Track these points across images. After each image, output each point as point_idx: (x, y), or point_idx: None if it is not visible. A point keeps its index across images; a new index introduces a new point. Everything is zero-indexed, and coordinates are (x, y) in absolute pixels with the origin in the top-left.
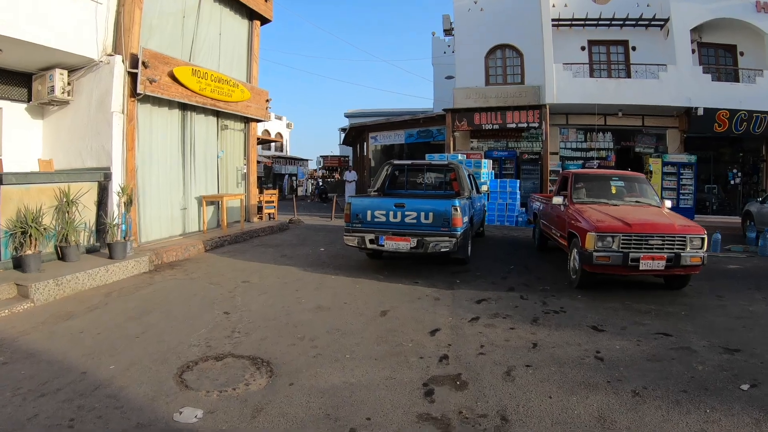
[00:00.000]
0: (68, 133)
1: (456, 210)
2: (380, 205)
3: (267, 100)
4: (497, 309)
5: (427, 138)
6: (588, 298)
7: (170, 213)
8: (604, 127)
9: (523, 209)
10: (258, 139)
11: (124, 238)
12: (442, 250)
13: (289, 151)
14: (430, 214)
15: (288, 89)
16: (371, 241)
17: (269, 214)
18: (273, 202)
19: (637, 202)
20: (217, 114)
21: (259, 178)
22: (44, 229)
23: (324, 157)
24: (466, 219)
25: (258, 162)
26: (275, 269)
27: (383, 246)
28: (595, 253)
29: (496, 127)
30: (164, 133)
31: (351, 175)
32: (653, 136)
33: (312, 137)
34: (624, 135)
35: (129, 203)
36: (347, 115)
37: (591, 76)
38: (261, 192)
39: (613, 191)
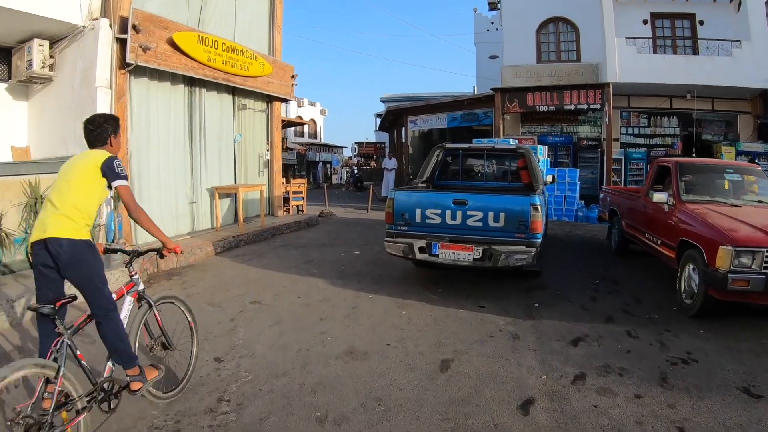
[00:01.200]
0: (52, 115)
1: (536, 209)
2: (434, 201)
3: (292, 76)
4: (604, 356)
5: (472, 122)
6: (713, 334)
7: (175, 208)
8: (670, 110)
9: (582, 202)
10: (284, 121)
11: (112, 240)
12: (517, 263)
13: (323, 138)
14: (502, 215)
15: (322, 74)
16: (421, 250)
17: (297, 206)
18: (301, 192)
19: (759, 202)
20: (233, 91)
21: (291, 165)
22: (5, 234)
23: (359, 144)
24: (545, 221)
25: (291, 149)
26: (296, 282)
27: (437, 256)
28: (730, 275)
29: (552, 108)
30: (167, 112)
31: (391, 163)
32: (722, 122)
33: (347, 123)
34: (690, 120)
35: (117, 198)
36: (383, 100)
37: (654, 52)
38: (288, 181)
39: (726, 187)
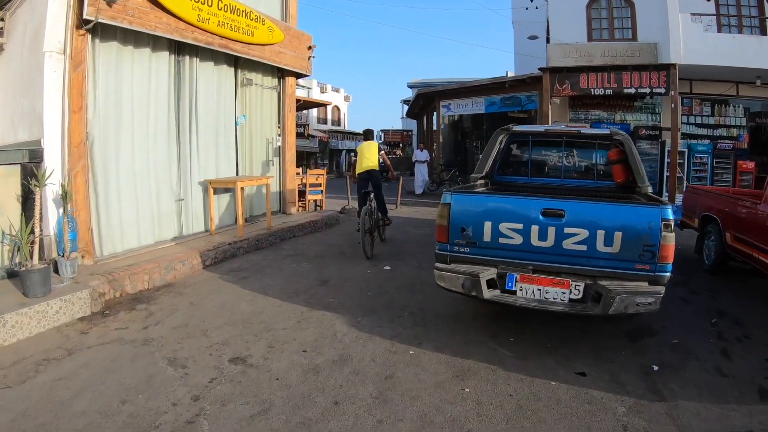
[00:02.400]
0: (3, 91)
1: (669, 228)
2: (512, 210)
3: (309, 47)
4: None
5: (514, 106)
6: None
7: (156, 207)
8: (735, 98)
9: None
10: (300, 101)
11: (62, 254)
12: (637, 309)
13: (347, 125)
14: (617, 235)
15: (346, 61)
16: (491, 284)
17: (314, 201)
18: (320, 185)
19: None
20: (235, 62)
21: (314, 153)
22: None
23: (385, 132)
24: None
25: (313, 136)
26: (303, 321)
27: (514, 294)
28: None
29: (609, 92)
30: (145, 86)
31: (423, 155)
32: None
33: (372, 110)
34: (757, 109)
35: (65, 198)
36: (411, 86)
37: (719, 31)
38: (304, 172)
39: None
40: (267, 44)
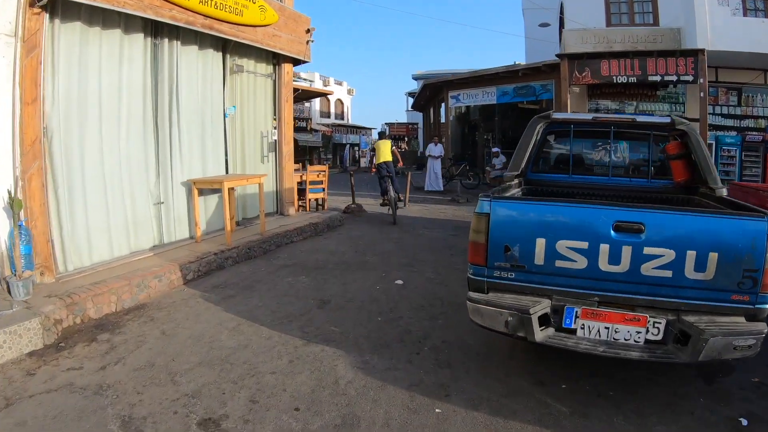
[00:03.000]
0: None
1: None
2: (574, 222)
3: (308, 31)
4: None
5: (528, 96)
6: None
7: (130, 212)
8: (763, 87)
9: None
10: (297, 90)
11: (14, 272)
12: (734, 355)
13: (351, 118)
14: (712, 257)
15: (349, 53)
16: (543, 320)
17: (316, 200)
18: (321, 182)
19: None
20: (223, 46)
21: (317, 148)
22: None
23: (389, 125)
24: None
25: (316, 130)
26: (296, 360)
27: (574, 333)
28: None
29: (632, 80)
30: (115, 73)
31: (437, 149)
32: None
33: (376, 104)
34: None
35: (12, 206)
36: (416, 77)
37: (744, 15)
38: (304, 168)
39: None
40: (259, 25)
